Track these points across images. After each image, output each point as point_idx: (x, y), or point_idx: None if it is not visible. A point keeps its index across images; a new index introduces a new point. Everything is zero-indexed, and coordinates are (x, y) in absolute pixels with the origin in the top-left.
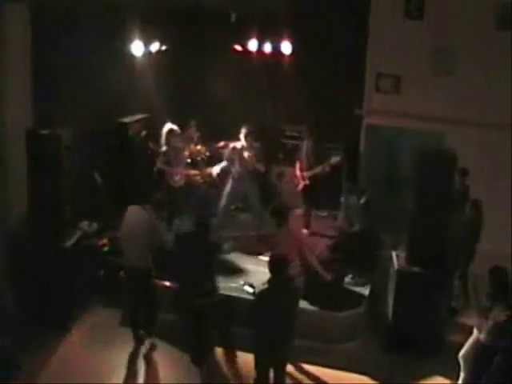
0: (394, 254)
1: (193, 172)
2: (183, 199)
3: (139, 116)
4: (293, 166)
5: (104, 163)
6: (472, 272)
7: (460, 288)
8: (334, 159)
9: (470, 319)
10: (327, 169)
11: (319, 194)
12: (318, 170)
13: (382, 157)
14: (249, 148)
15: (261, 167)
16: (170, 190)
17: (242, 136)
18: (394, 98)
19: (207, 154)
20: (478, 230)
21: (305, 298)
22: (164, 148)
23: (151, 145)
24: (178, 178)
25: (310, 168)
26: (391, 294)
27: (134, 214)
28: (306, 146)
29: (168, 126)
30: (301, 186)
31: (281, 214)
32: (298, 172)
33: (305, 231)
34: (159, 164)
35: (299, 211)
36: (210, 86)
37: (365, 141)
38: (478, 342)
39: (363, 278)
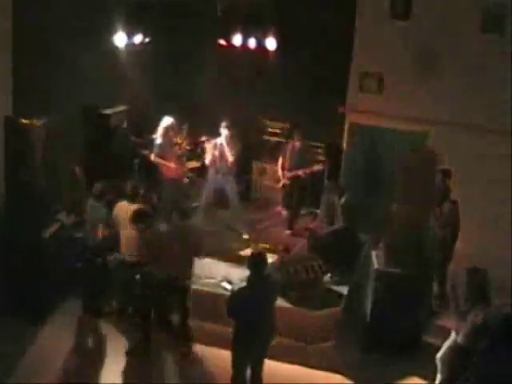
0: (373, 253)
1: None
2: (174, 193)
3: (121, 107)
4: (275, 163)
5: (85, 154)
6: (450, 273)
7: (438, 289)
8: (316, 167)
9: (449, 321)
10: (308, 173)
11: (299, 192)
12: (299, 172)
13: (364, 156)
14: (229, 143)
15: (230, 157)
16: (164, 183)
17: (222, 130)
18: (378, 98)
19: (187, 147)
20: (456, 230)
21: (282, 296)
22: (159, 140)
23: (133, 137)
24: (173, 170)
25: (292, 167)
26: (370, 294)
27: (124, 210)
28: (290, 143)
29: (167, 119)
30: (281, 184)
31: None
32: (279, 169)
33: (287, 232)
34: (153, 157)
35: (279, 208)
36: (193, 81)
37: (347, 140)
38: (455, 343)
39: (342, 277)
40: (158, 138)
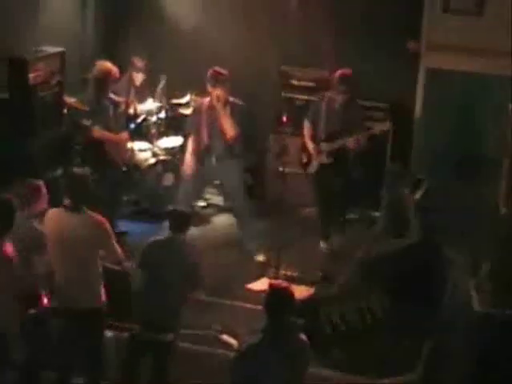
0: (472, 284)
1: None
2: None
3: (48, 50)
4: (301, 135)
5: None
6: None
7: None
8: (378, 127)
9: None
10: (362, 143)
11: (345, 182)
12: (343, 142)
13: (451, 124)
14: (226, 105)
15: (230, 128)
16: (114, 171)
17: (211, 83)
18: (475, 24)
19: (161, 115)
20: None
21: (320, 356)
22: (95, 102)
23: (70, 99)
24: (125, 151)
25: (330, 138)
26: (467, 353)
27: (64, 221)
28: (325, 102)
29: (100, 63)
30: (314, 167)
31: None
32: (308, 142)
33: (325, 248)
34: (94, 131)
35: (309, 210)
36: (167, 4)
37: (423, 96)
38: None
39: (418, 323)
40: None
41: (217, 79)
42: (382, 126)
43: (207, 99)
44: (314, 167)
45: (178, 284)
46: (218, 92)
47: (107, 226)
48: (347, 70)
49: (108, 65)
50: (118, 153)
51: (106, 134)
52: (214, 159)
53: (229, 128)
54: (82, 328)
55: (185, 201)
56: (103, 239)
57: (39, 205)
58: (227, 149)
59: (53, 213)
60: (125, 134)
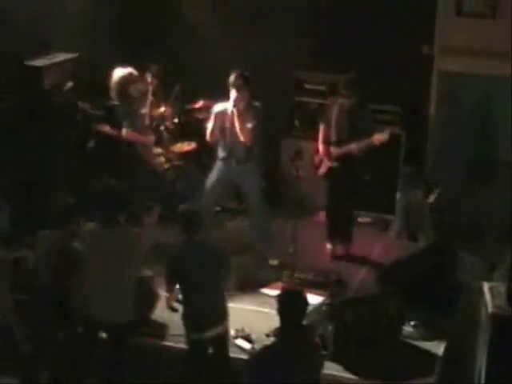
0: (486, 286)
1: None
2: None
3: (62, 56)
4: (315, 138)
5: (3, 132)
6: None
7: None
8: (379, 136)
9: None
10: (372, 144)
11: (358, 184)
12: (355, 146)
13: (464, 126)
14: (244, 110)
15: (247, 132)
16: (147, 174)
17: (232, 89)
18: (489, 26)
19: (175, 120)
20: None
21: (334, 359)
22: (122, 107)
23: (82, 103)
24: (153, 154)
25: (342, 141)
26: (482, 355)
27: (100, 236)
28: (337, 102)
29: (121, 70)
30: (324, 169)
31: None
32: (321, 146)
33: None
34: (125, 133)
35: (323, 214)
36: (180, 10)
37: (437, 99)
38: None
39: (433, 326)
40: (114, 100)
41: (240, 82)
42: (381, 135)
43: (228, 102)
44: (323, 170)
45: (215, 283)
46: (240, 95)
47: (140, 238)
48: (352, 75)
49: (129, 70)
50: (148, 155)
51: (137, 136)
52: (234, 162)
53: (249, 131)
54: (114, 341)
55: (207, 205)
56: (137, 251)
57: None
58: (247, 152)
59: (88, 228)
60: (151, 137)
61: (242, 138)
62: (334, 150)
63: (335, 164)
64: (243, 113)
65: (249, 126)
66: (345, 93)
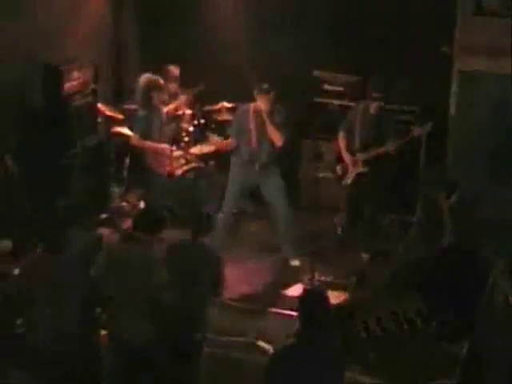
0: (509, 286)
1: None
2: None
3: (83, 59)
4: (335, 141)
5: (22, 137)
6: None
7: None
8: (416, 131)
9: None
10: (400, 144)
11: (382, 188)
12: (381, 150)
13: (485, 126)
14: (271, 113)
15: (278, 136)
16: (158, 183)
17: (257, 92)
18: (508, 25)
19: (195, 122)
20: None
21: (355, 362)
22: (142, 112)
23: (103, 107)
24: (167, 163)
25: (365, 146)
26: (505, 356)
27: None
28: (360, 106)
29: (147, 76)
30: (350, 179)
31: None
32: (345, 154)
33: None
34: (134, 139)
35: (343, 216)
36: (201, 14)
37: (457, 99)
38: None
39: (457, 329)
40: (140, 107)
41: (266, 85)
42: (417, 131)
43: (252, 105)
44: (350, 178)
45: (198, 287)
46: (266, 98)
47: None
48: (380, 79)
49: (154, 76)
50: (159, 164)
51: (146, 144)
52: (257, 165)
53: (277, 136)
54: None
55: (227, 207)
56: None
57: None
58: (272, 156)
59: (109, 242)
60: (166, 147)
61: (275, 141)
62: (360, 156)
63: (365, 169)
64: (270, 115)
65: (280, 130)
66: (374, 95)
